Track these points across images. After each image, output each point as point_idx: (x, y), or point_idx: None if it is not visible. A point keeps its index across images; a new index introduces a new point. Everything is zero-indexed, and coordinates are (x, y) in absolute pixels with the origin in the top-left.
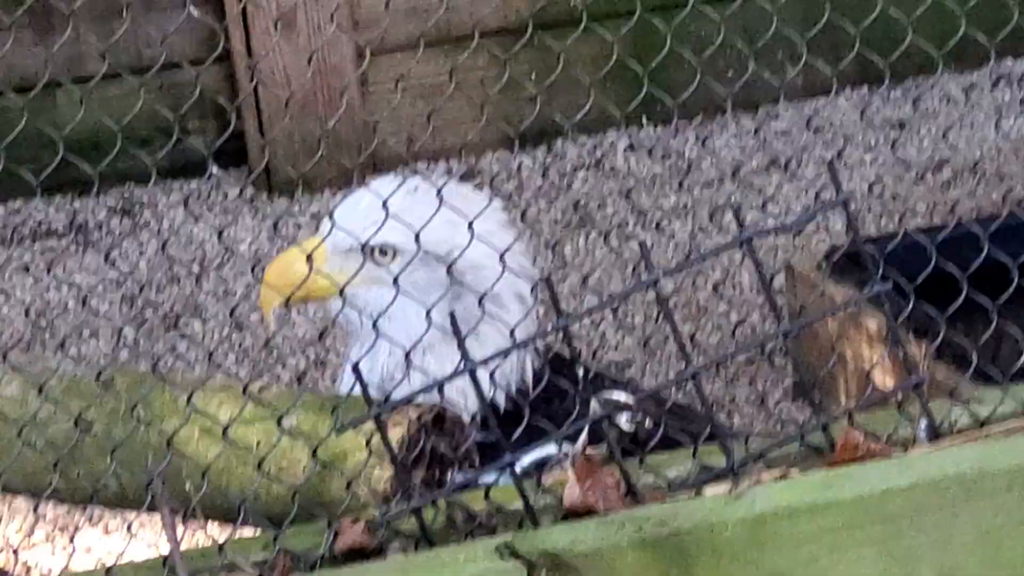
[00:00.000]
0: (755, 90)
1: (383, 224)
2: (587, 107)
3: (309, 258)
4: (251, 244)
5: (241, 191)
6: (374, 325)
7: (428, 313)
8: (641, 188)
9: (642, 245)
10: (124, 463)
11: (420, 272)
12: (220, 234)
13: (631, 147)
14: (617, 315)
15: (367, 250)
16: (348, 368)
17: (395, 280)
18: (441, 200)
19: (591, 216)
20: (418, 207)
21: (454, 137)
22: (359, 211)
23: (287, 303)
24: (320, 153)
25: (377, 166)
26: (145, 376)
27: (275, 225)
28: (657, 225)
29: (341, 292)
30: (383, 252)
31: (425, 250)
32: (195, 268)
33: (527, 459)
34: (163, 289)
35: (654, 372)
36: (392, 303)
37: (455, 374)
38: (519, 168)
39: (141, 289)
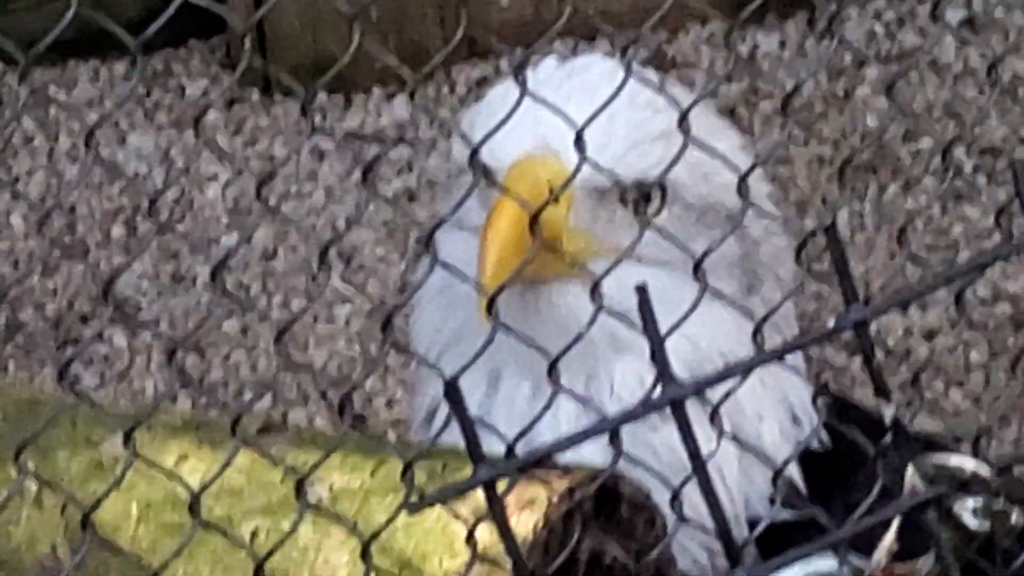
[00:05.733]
0: None
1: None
2: None
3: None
4: (226, 187)
5: (215, 86)
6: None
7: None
8: (992, 101)
9: (1014, 167)
10: (3, 562)
11: (701, 232)
12: (185, 167)
13: (969, 22)
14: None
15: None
16: (427, 390)
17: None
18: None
19: (891, 154)
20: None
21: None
22: (587, 112)
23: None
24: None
25: (473, 51)
26: (38, 395)
27: (297, 151)
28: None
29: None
30: (643, 198)
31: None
32: (122, 221)
33: None
34: (56, 265)
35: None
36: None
37: (648, 407)
38: (752, 55)
39: (16, 263)
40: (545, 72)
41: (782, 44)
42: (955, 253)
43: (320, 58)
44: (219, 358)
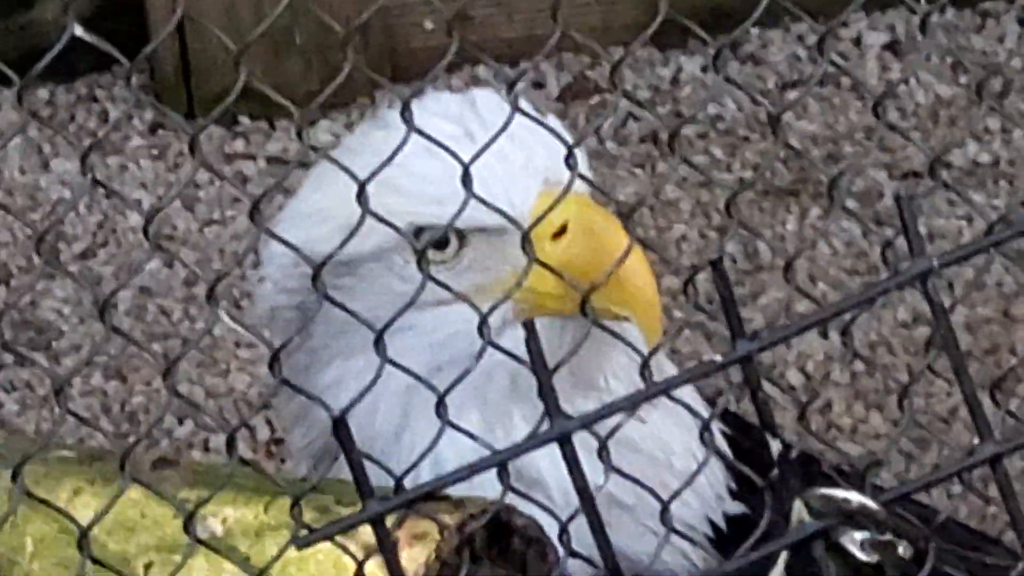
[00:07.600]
0: None
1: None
2: None
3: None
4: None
5: (138, 110)
6: None
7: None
8: (932, 112)
9: (899, 201)
10: None
11: None
12: (104, 186)
13: (893, 45)
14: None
15: None
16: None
17: None
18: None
19: (813, 177)
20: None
21: (542, 18)
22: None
23: None
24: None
25: (398, 73)
26: None
27: (230, 177)
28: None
29: None
30: None
31: None
32: (25, 250)
33: None
34: None
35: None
36: None
37: (531, 443)
38: (676, 79)
39: None
40: (439, 108)
41: (704, 69)
42: (876, 276)
43: (246, 83)
44: (141, 384)
